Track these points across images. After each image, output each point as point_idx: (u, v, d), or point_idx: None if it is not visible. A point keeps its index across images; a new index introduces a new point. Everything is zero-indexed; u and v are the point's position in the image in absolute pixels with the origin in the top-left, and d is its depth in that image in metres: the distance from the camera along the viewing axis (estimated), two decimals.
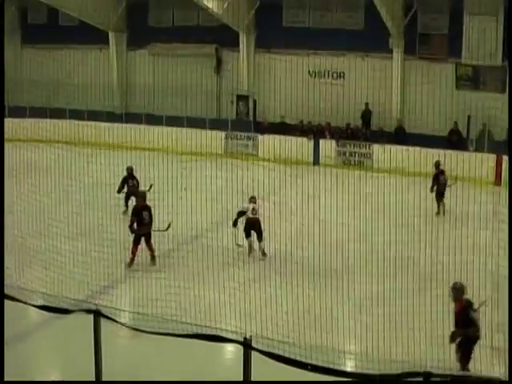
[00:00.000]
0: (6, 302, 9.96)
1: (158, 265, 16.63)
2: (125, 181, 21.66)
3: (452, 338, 11.34)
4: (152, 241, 16.94)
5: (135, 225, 16.90)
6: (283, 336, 11.13)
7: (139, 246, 16.76)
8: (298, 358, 8.46)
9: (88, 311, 9.36)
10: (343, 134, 31.63)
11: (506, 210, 14.00)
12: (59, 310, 9.94)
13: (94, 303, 10.45)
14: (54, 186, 19.58)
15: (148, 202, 17.43)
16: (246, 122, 34.13)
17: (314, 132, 31.93)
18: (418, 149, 26.33)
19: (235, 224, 17.60)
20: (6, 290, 10.15)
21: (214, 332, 8.85)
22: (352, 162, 30.61)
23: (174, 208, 17.05)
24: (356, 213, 16.44)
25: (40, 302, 10.60)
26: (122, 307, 12.54)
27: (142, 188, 20.45)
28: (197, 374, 10.90)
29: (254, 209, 17.58)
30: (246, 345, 8.40)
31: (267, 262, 16.22)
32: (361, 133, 31.66)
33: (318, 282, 14.90)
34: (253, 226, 17.42)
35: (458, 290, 11.65)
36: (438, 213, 21.42)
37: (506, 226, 14.90)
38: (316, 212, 16.47)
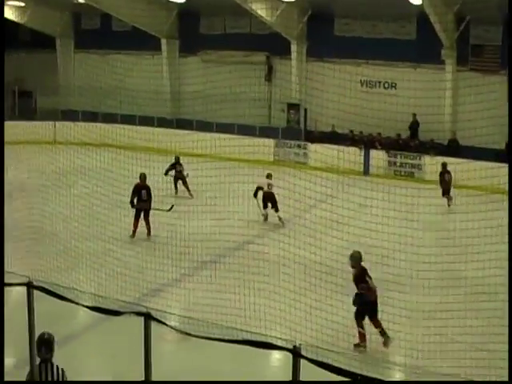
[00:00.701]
0: (57, 302, 10.02)
1: (209, 271, 16.69)
2: (173, 166, 26.09)
3: (354, 301, 13.23)
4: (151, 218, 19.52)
5: (135, 200, 19.70)
6: (332, 345, 11.08)
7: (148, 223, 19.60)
8: (347, 369, 8.39)
9: (138, 314, 9.37)
10: (394, 145, 31.52)
11: None
12: (109, 312, 9.97)
13: (144, 306, 10.48)
14: (107, 190, 19.78)
15: (200, 207, 17.81)
16: (297, 130, 34.16)
17: (365, 142, 31.86)
18: (469, 161, 26.05)
19: (255, 195, 20.98)
20: (56, 290, 10.21)
21: (263, 339, 8.82)
22: (402, 173, 30.48)
23: (222, 214, 17.11)
24: (405, 224, 16.31)
25: (90, 303, 10.65)
26: (172, 311, 12.56)
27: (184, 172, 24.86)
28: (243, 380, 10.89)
29: (269, 184, 21.28)
30: (296, 353, 8.33)
31: (315, 271, 16.16)
32: (412, 144, 31.48)
33: None
34: (269, 198, 21.04)
35: (355, 258, 13.55)
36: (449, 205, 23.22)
37: None
38: (365, 222, 16.36)
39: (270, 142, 32.29)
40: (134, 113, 35.27)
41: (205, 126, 33.64)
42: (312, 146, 31.73)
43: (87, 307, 10.23)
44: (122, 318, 9.88)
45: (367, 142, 31.89)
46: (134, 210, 19.76)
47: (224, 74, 30.81)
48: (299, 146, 32.96)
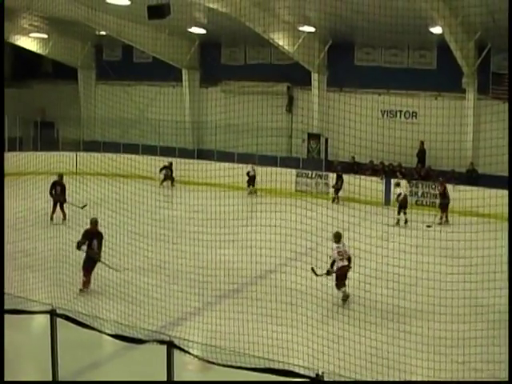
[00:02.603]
0: (81, 330, 10.08)
1: (231, 299, 16.71)
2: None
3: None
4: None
5: (84, 248, 17.56)
6: (355, 373, 11.06)
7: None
8: None
9: (161, 342, 9.40)
10: (415, 174, 31.54)
11: None
12: (132, 340, 10.02)
13: (167, 334, 10.50)
14: (129, 219, 19.90)
15: (223, 236, 17.87)
16: (318, 160, 34.20)
17: (386, 171, 31.85)
18: (490, 190, 26.01)
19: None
20: (81, 318, 10.27)
21: (285, 367, 8.81)
22: (424, 203, 30.43)
23: (245, 243, 17.14)
24: (428, 254, 16.29)
25: (113, 331, 10.71)
26: (195, 339, 12.57)
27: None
28: None
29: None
30: (319, 381, 8.34)
31: (338, 300, 16.13)
32: (433, 173, 31.46)
33: (388, 321, 14.80)
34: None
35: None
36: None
37: None
38: (387, 252, 16.34)
39: (292, 172, 32.33)
40: (155, 143, 35.48)
41: (226, 157, 33.76)
42: (332, 176, 31.77)
43: (110, 335, 10.32)
44: (146, 347, 9.96)
45: (388, 172, 31.90)
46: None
47: (245, 104, 30.98)
48: (320, 176, 33.01)
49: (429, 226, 23.16)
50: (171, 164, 34.80)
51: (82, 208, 23.72)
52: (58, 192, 25.49)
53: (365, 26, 27.79)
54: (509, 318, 11.07)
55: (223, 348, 10.87)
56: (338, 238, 17.06)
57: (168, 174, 34.98)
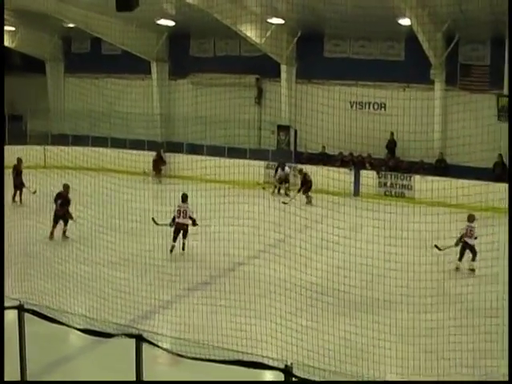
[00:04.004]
0: (50, 325, 10.02)
1: (201, 292, 16.69)
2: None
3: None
4: None
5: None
6: (324, 364, 11.08)
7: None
8: None
9: (130, 336, 9.36)
10: (384, 165, 31.68)
11: None
12: (102, 334, 9.96)
13: (136, 328, 10.47)
14: (99, 213, 19.82)
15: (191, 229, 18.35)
16: (287, 152, 34.22)
17: (355, 163, 31.96)
18: (458, 180, 26.19)
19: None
20: (49, 313, 10.21)
21: (255, 359, 8.81)
22: (393, 193, 30.59)
23: (215, 235, 17.12)
24: (397, 244, 16.36)
25: (82, 326, 10.65)
26: (165, 333, 12.54)
27: None
28: None
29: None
30: (287, 372, 8.35)
31: (308, 291, 16.17)
32: (391, 163, 31.65)
33: (358, 312, 14.88)
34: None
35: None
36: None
37: None
38: (357, 242, 16.40)
39: (261, 164, 32.33)
40: (124, 136, 35.28)
41: (195, 149, 33.69)
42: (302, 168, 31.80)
43: (79, 330, 10.25)
44: (115, 341, 9.91)
45: (357, 163, 32.02)
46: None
47: (214, 96, 30.95)
48: (289, 168, 33.03)
49: (284, 203, 24.62)
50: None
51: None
52: (59, 205, 21.93)
53: (334, 18, 27.89)
54: (509, 318, 11.14)
55: (193, 341, 10.85)
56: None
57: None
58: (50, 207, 21.62)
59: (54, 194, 21.89)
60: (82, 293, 15.93)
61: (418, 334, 13.57)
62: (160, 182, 32.72)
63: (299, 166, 31.12)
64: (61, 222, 21.86)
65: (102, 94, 36.27)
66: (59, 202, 21.78)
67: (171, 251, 19.76)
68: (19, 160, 28.04)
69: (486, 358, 12.22)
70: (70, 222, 21.80)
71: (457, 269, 18.72)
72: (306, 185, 29.35)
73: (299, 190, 29.00)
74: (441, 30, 29.21)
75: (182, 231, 20.13)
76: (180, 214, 20.23)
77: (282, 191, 30.93)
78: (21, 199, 27.31)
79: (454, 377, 11.56)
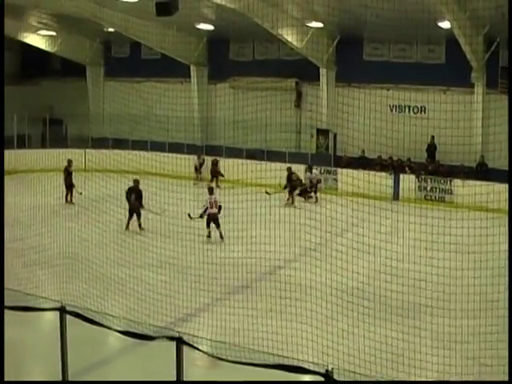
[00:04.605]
0: (90, 327, 10.08)
1: (240, 295, 16.73)
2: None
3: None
4: None
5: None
6: (365, 369, 11.04)
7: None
8: None
9: (170, 338, 9.39)
10: (424, 169, 31.49)
11: None
12: (142, 336, 10.01)
13: (176, 330, 10.50)
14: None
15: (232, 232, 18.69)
16: (326, 155, 34.17)
17: (394, 167, 31.80)
18: (499, 185, 25.95)
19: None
20: (88, 314, 10.27)
21: (295, 363, 8.80)
22: (433, 198, 30.39)
23: (254, 239, 17.16)
24: (437, 249, 16.26)
25: (122, 328, 10.71)
26: (204, 335, 12.58)
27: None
28: None
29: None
30: (328, 377, 8.33)
31: (347, 295, 16.12)
32: (442, 168, 31.42)
33: (398, 317, 14.77)
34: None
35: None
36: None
37: None
38: (397, 246, 16.32)
39: (300, 167, 32.30)
40: (164, 139, 35.47)
41: (234, 152, 33.76)
42: (341, 172, 31.73)
43: (119, 332, 10.31)
44: (155, 343, 9.95)
45: (396, 167, 31.86)
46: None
47: (253, 100, 31.01)
48: (329, 172, 32.98)
49: (268, 193, 26.52)
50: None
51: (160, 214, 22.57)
52: (133, 199, 23.57)
53: (373, 21, 27.73)
54: (509, 317, 11.03)
55: (232, 344, 10.86)
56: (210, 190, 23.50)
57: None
58: (94, 209, 21.86)
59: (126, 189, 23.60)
60: (123, 295, 16.03)
61: (458, 339, 13.46)
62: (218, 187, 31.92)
63: (287, 165, 31.04)
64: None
65: (141, 97, 36.53)
66: (133, 196, 23.46)
67: (209, 237, 22.39)
68: (69, 161, 28.85)
69: None
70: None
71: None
72: (290, 184, 29.87)
73: (285, 187, 29.72)
74: (481, 34, 28.98)
75: (213, 220, 22.49)
76: (212, 205, 22.61)
77: (312, 194, 30.91)
78: (71, 199, 27.99)
79: None
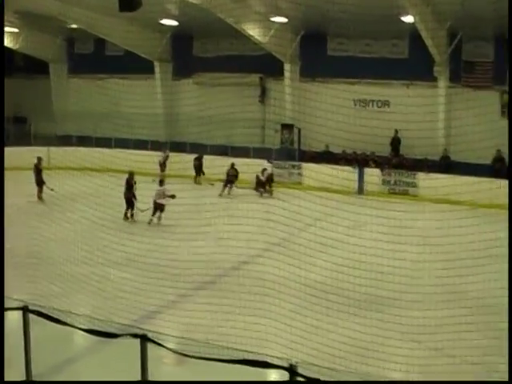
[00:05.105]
0: (54, 326, 10.02)
1: (206, 291, 16.71)
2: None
3: None
4: None
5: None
6: (328, 363, 11.06)
7: None
8: None
9: (135, 336, 9.35)
10: (388, 163, 31.67)
11: None
12: (106, 334, 9.96)
13: (140, 328, 10.46)
14: (103, 213, 19.83)
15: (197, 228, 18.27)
16: (291, 150, 34.23)
17: (359, 161, 31.94)
18: (462, 177, 26.20)
19: None
20: (53, 313, 10.21)
21: (260, 358, 8.80)
22: (397, 191, 30.57)
23: (219, 235, 17.14)
24: (402, 242, 16.34)
25: (87, 327, 10.65)
26: (170, 332, 12.53)
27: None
28: None
29: None
30: (292, 371, 8.34)
31: (313, 290, 16.15)
32: (406, 162, 31.63)
33: (362, 311, 14.83)
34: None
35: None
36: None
37: None
38: (362, 240, 16.38)
39: (265, 162, 32.34)
40: (128, 136, 35.27)
41: (199, 148, 33.70)
42: (306, 166, 31.80)
43: (83, 330, 10.25)
44: (120, 341, 9.90)
45: (361, 161, 32.00)
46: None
47: (217, 96, 30.98)
48: (293, 167, 33.04)
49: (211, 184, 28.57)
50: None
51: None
52: (124, 191, 25.34)
53: (337, 16, 27.82)
54: (509, 316, 11.13)
55: (198, 340, 10.84)
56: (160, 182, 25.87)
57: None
58: (58, 208, 21.70)
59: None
60: (87, 293, 15.93)
61: (424, 331, 13.56)
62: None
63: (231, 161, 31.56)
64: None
65: (105, 94, 36.29)
66: (124, 187, 25.17)
67: (149, 223, 24.24)
68: (39, 159, 29.43)
69: (493, 354, 12.17)
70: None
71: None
72: (226, 178, 30.80)
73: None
74: (444, 28, 29.25)
75: (160, 210, 24.44)
76: (160, 196, 24.41)
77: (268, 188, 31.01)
78: (41, 196, 28.35)
79: (462, 376, 11.52)
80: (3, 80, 16.31)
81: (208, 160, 32.45)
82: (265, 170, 31.01)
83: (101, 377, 12.16)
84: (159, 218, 24.55)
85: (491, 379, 11.26)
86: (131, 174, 25.74)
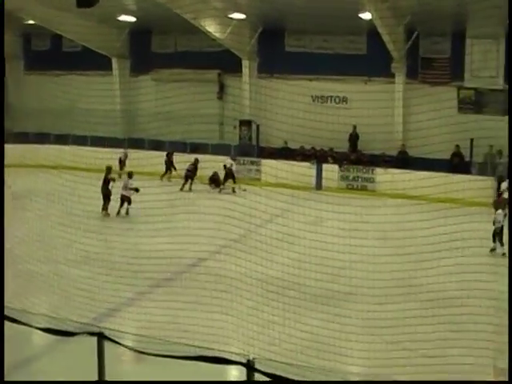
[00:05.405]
0: (11, 325, 9.92)
1: (164, 288, 16.67)
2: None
3: None
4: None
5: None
6: (287, 358, 11.08)
7: None
8: (302, 379, 8.43)
9: (92, 334, 9.29)
10: (346, 159, 31.82)
11: None
12: (63, 333, 9.88)
13: (98, 326, 10.39)
14: (60, 211, 19.66)
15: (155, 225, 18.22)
16: (249, 146, 34.27)
17: (317, 157, 32.04)
18: (418, 172, 26.43)
19: None
20: (9, 313, 10.11)
21: (218, 354, 8.79)
22: (355, 186, 30.72)
23: (177, 231, 17.07)
24: (359, 236, 16.44)
25: (44, 325, 10.55)
26: (128, 330, 12.48)
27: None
28: None
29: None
30: (249, 366, 8.34)
31: (271, 286, 16.18)
32: (364, 157, 31.81)
33: (321, 305, 14.89)
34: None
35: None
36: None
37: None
38: (320, 236, 16.44)
39: (224, 159, 32.31)
40: (86, 133, 35.04)
41: (157, 145, 33.57)
42: (264, 162, 31.84)
43: (40, 329, 10.15)
44: (79, 340, 9.81)
45: (319, 157, 32.11)
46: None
47: (176, 92, 30.83)
48: (252, 163, 33.07)
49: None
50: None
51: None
52: (101, 185, 25.68)
53: (295, 13, 27.90)
54: (509, 315, 11.24)
55: (156, 338, 10.80)
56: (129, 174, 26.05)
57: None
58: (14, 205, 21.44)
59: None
60: (45, 292, 15.79)
61: (382, 325, 13.65)
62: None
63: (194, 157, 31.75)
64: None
65: (63, 91, 35.95)
66: (102, 182, 25.52)
67: (117, 214, 25.41)
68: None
69: (449, 347, 12.32)
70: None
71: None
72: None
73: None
74: (401, 24, 29.39)
75: (126, 201, 25.37)
76: (125, 188, 25.38)
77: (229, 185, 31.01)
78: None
79: (419, 368, 11.62)
80: (3, 80, 16.05)
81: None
82: (225, 166, 30.98)
83: (59, 376, 12.11)
84: (127, 211, 25.45)
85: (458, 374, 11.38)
86: (109, 170, 26.05)
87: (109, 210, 25.45)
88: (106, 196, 25.54)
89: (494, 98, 29.68)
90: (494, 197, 24.54)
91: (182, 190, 29.33)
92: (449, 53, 30.94)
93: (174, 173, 32.51)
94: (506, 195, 23.46)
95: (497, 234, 20.48)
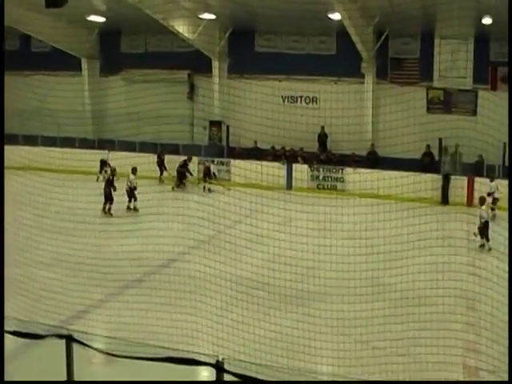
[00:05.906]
0: None
1: (134, 289, 16.61)
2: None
3: None
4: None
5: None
6: (257, 359, 11.10)
7: None
8: (271, 379, 8.45)
9: (60, 336, 9.23)
10: (316, 159, 31.91)
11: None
12: (32, 336, 9.82)
13: (67, 328, 10.33)
14: (29, 213, 19.50)
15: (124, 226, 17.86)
16: (219, 147, 34.26)
17: (287, 157, 32.11)
18: (389, 172, 26.54)
19: None
20: None
21: (187, 355, 8.78)
22: (325, 186, 30.81)
23: (146, 232, 17.06)
24: (328, 236, 16.46)
25: (12, 328, 10.48)
26: (98, 332, 12.43)
27: None
28: None
29: None
30: (219, 367, 8.35)
31: (240, 286, 16.19)
32: (334, 157, 31.93)
33: (290, 305, 14.93)
34: None
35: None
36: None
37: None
38: (290, 236, 16.47)
39: (193, 159, 32.27)
40: (55, 134, 34.81)
41: (127, 146, 33.43)
42: (234, 163, 31.85)
43: (8, 332, 10.07)
44: (49, 343, 9.75)
45: (289, 157, 32.18)
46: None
47: (146, 93, 30.72)
48: (222, 163, 33.06)
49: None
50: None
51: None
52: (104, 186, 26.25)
53: (265, 13, 27.92)
54: (509, 315, 11.30)
55: (126, 339, 10.76)
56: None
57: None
58: None
59: None
60: (13, 295, 15.63)
61: (351, 324, 13.71)
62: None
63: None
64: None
65: (31, 91, 35.69)
66: (104, 182, 26.34)
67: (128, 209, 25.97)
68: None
69: (418, 345, 12.41)
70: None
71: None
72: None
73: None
74: (371, 25, 29.56)
75: (132, 197, 25.97)
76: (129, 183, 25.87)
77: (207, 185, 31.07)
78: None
79: (388, 367, 11.68)
80: (3, 80, 15.82)
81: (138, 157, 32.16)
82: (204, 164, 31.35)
83: (27, 379, 12.02)
84: (134, 207, 25.89)
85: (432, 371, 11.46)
86: (113, 171, 26.41)
87: (112, 211, 25.53)
88: (108, 196, 25.66)
89: (462, 98, 29.96)
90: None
91: (173, 189, 29.76)
92: (418, 53, 31.17)
93: (165, 173, 32.56)
94: (496, 195, 23.76)
95: (482, 230, 20.80)
